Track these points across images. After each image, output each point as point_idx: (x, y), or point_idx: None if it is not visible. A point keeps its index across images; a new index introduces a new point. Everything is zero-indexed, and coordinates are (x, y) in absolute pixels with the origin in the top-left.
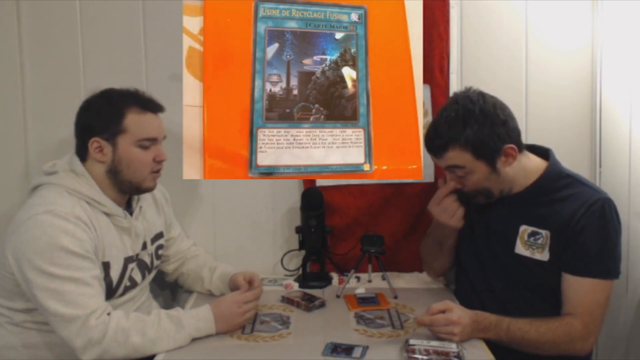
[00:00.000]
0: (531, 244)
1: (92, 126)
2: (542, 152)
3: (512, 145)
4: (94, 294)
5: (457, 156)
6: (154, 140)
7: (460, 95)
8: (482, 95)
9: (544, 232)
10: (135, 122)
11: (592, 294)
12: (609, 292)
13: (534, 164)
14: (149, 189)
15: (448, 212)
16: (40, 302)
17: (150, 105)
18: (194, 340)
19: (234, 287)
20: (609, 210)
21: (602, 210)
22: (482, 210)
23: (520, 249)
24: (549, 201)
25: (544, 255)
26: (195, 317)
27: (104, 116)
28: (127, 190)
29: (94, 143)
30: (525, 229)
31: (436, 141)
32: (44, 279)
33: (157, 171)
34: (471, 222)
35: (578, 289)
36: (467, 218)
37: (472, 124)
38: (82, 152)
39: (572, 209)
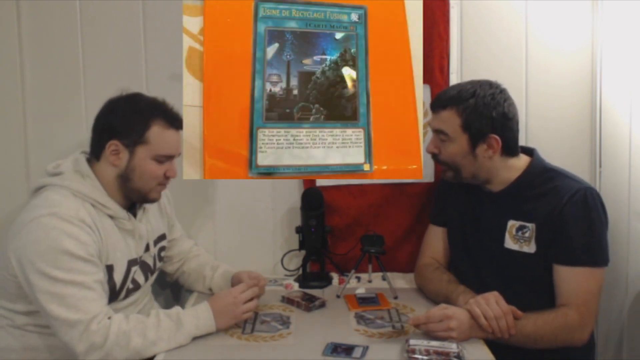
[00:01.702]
0: (519, 238)
1: (115, 129)
2: (528, 151)
3: (497, 138)
4: (95, 298)
5: (449, 118)
6: (170, 157)
7: (484, 79)
8: (503, 89)
9: (530, 225)
10: (159, 136)
11: (584, 284)
12: (601, 280)
13: (519, 162)
14: (154, 200)
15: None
16: (42, 306)
17: (175, 121)
18: (195, 339)
19: (237, 284)
20: (591, 199)
21: (585, 199)
22: (471, 207)
23: (509, 243)
24: (534, 195)
25: (530, 248)
26: (195, 315)
27: (129, 122)
28: (133, 197)
29: (112, 146)
30: (513, 224)
31: (442, 98)
32: (47, 282)
33: (164, 184)
34: (461, 219)
35: (569, 279)
36: (456, 215)
37: (478, 100)
38: (96, 152)
39: (555, 201)
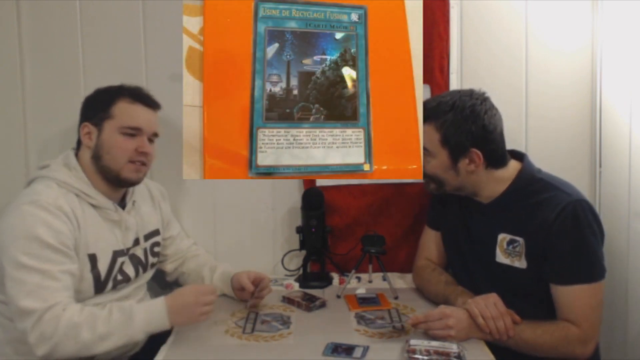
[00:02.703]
0: (510, 252)
1: (85, 113)
2: (519, 156)
3: (478, 152)
4: (58, 288)
5: (428, 133)
6: (138, 130)
7: (467, 89)
8: (484, 98)
9: (520, 239)
10: (123, 109)
11: (583, 300)
12: (600, 293)
13: (507, 172)
14: (129, 181)
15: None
16: (8, 291)
17: (143, 98)
18: (194, 339)
19: (237, 287)
20: (581, 212)
21: (574, 213)
22: (464, 217)
23: (500, 257)
24: (523, 207)
25: (522, 263)
26: (147, 310)
27: (96, 102)
28: (109, 178)
29: (85, 128)
30: (503, 237)
31: (423, 111)
32: (13, 268)
33: (140, 163)
34: (454, 227)
35: (568, 297)
36: (449, 222)
37: (457, 113)
38: (78, 141)
39: (543, 216)
